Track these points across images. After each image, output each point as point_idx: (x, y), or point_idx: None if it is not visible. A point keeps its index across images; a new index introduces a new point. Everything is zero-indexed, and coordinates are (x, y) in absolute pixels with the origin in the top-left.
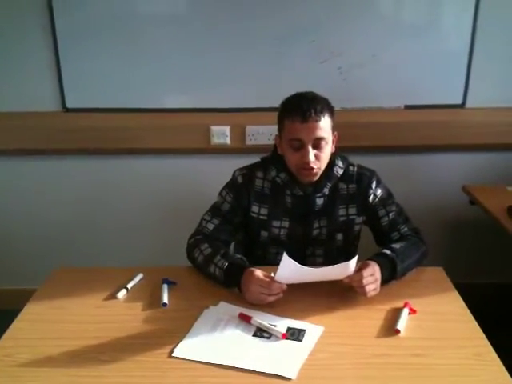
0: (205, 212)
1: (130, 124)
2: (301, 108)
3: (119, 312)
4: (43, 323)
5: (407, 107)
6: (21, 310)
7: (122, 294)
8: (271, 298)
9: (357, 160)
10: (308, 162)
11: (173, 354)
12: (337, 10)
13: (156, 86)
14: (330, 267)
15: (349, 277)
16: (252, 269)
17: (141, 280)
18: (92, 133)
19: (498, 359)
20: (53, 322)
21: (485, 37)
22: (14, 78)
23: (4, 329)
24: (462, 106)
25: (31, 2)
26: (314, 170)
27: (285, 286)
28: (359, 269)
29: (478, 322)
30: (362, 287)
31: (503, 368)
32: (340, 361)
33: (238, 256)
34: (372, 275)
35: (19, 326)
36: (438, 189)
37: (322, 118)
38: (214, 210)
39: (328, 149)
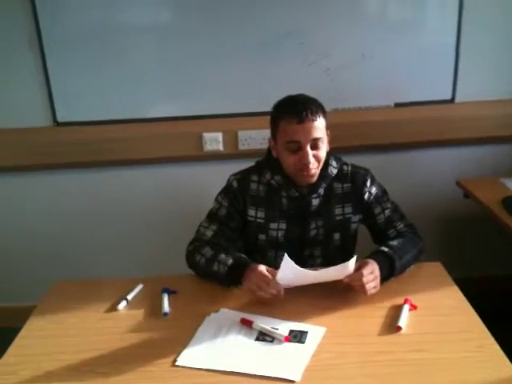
0: (202, 219)
1: (121, 135)
2: (296, 110)
3: (120, 324)
4: (45, 339)
5: (397, 105)
6: (21, 327)
7: (122, 305)
8: (265, 295)
9: (350, 160)
10: (308, 164)
11: (176, 363)
12: (322, 11)
13: (146, 95)
14: (330, 268)
15: (348, 276)
16: (258, 264)
17: (141, 290)
18: (84, 146)
19: (500, 351)
20: (54, 336)
21: (470, 31)
22: (3, 94)
23: (6, 347)
24: (452, 101)
25: (17, 17)
26: (313, 171)
27: (281, 291)
28: (358, 267)
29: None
30: (362, 286)
31: (506, 359)
32: (343, 360)
33: (242, 255)
34: (371, 273)
35: (21, 342)
36: (432, 184)
37: (318, 118)
38: (211, 216)
39: (324, 148)
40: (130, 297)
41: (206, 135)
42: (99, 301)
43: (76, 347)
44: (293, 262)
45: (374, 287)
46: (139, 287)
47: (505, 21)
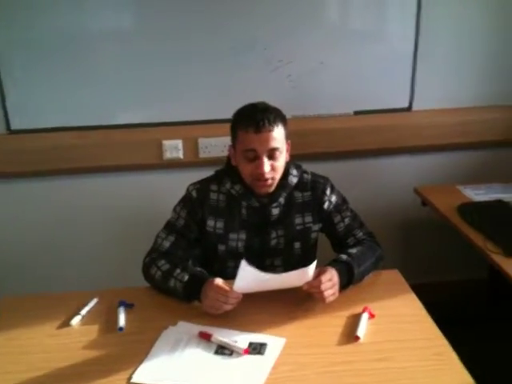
0: (160, 230)
1: (78, 142)
2: (254, 118)
3: (73, 340)
4: None
5: (356, 113)
6: None
7: (76, 320)
8: (227, 307)
9: (310, 167)
10: (263, 173)
11: (132, 380)
12: (283, 19)
13: (104, 102)
14: (289, 273)
15: (307, 283)
16: (213, 278)
17: (96, 304)
18: (39, 154)
19: (457, 358)
20: (2, 354)
21: (427, 40)
22: None
23: None
24: (409, 109)
25: None
26: (269, 182)
27: (241, 296)
28: (317, 275)
29: (434, 322)
30: (321, 293)
31: (462, 366)
32: (303, 372)
33: (198, 269)
34: (330, 280)
35: None
36: (391, 192)
37: (276, 127)
38: (169, 226)
39: (282, 159)
40: (84, 311)
41: (166, 143)
42: (51, 316)
43: (26, 365)
44: (250, 267)
45: (333, 294)
46: (94, 301)
47: (462, 30)
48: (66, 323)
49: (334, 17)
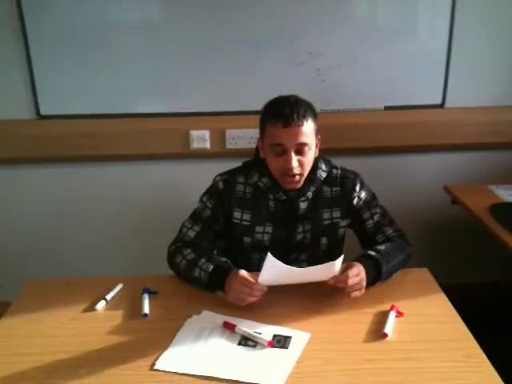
0: (185, 219)
1: (106, 130)
2: (283, 112)
3: (98, 324)
4: (18, 338)
5: (387, 108)
6: None
7: (100, 305)
8: (252, 299)
9: (338, 162)
10: (291, 168)
11: (155, 367)
12: (313, 11)
13: (132, 91)
14: (315, 267)
15: (334, 277)
16: (238, 269)
17: (120, 290)
18: (66, 140)
19: (486, 360)
20: (28, 336)
21: (462, 37)
22: None
23: None
24: (442, 106)
25: (2, 11)
26: (297, 178)
27: (265, 289)
28: (344, 269)
29: (464, 322)
30: (347, 287)
31: (492, 369)
32: (328, 367)
33: (223, 259)
34: (357, 275)
35: None
36: (420, 189)
37: (305, 122)
38: (195, 216)
39: (311, 154)
40: (108, 297)
41: (194, 133)
42: (77, 300)
43: (50, 348)
44: (276, 260)
45: (359, 290)
46: (119, 287)
47: (497, 27)
48: (91, 308)
49: (365, 10)
